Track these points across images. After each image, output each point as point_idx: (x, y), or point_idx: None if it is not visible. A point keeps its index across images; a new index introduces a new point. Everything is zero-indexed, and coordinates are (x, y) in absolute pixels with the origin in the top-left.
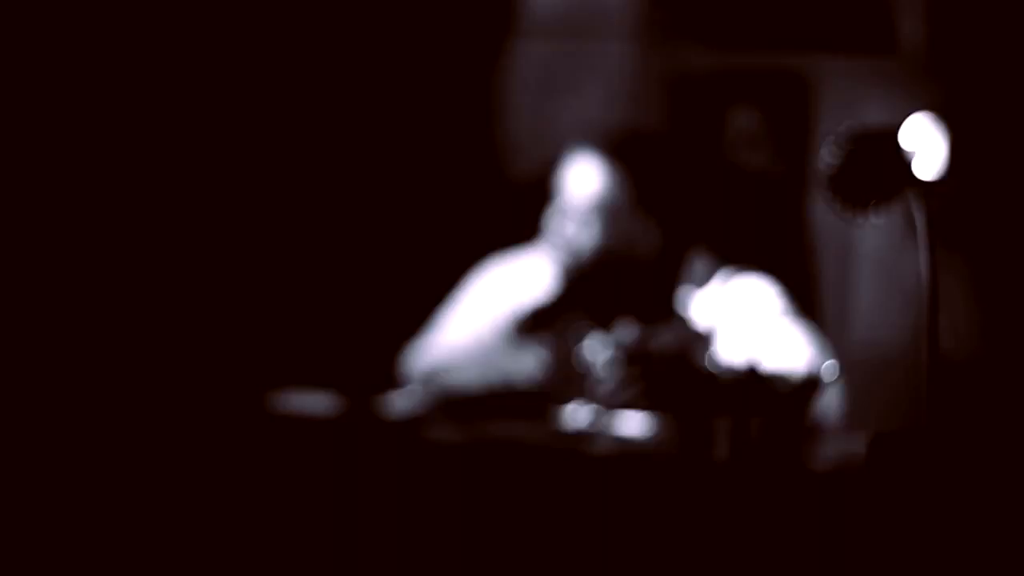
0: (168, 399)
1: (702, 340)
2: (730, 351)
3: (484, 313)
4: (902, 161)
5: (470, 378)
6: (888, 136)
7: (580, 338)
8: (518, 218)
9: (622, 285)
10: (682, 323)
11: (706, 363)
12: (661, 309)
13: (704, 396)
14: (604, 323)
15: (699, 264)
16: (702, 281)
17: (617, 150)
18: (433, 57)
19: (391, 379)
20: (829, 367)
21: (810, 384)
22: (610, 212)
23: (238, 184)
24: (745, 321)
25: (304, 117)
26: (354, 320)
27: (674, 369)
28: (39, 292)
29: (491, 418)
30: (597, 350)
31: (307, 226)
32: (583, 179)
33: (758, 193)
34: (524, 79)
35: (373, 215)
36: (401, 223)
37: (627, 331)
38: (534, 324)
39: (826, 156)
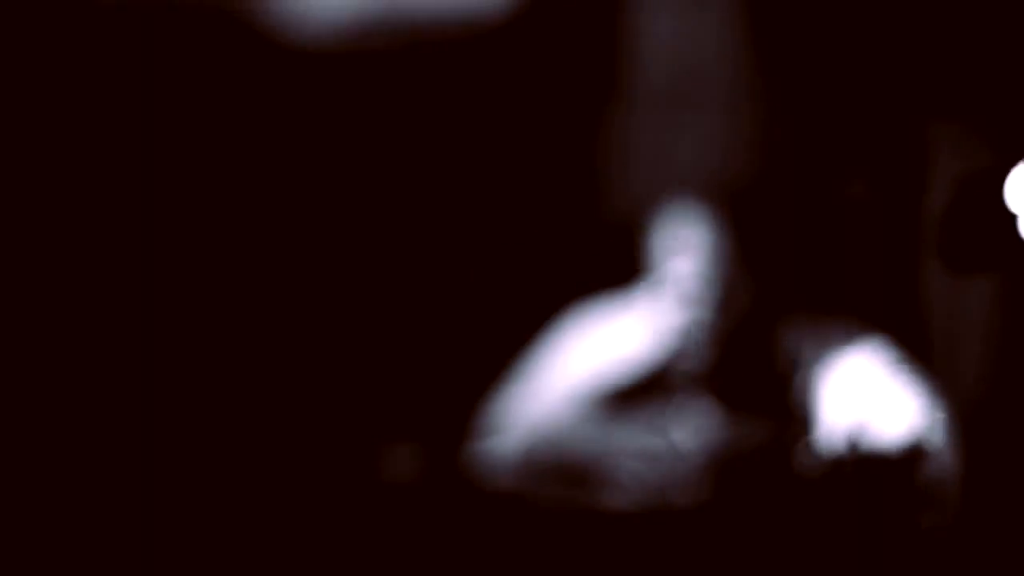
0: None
1: (801, 429)
2: (833, 427)
3: (584, 365)
4: (1007, 221)
5: (577, 440)
6: (993, 195)
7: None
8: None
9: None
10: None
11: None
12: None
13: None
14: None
15: (802, 336)
16: (809, 355)
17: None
18: (538, 124)
19: (473, 427)
20: (937, 428)
21: (917, 450)
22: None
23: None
24: (852, 388)
25: (402, 169)
26: (435, 363)
27: (766, 469)
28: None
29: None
30: (688, 436)
31: (403, 265)
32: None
33: (869, 253)
34: (626, 147)
35: (464, 259)
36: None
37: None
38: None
39: (936, 216)
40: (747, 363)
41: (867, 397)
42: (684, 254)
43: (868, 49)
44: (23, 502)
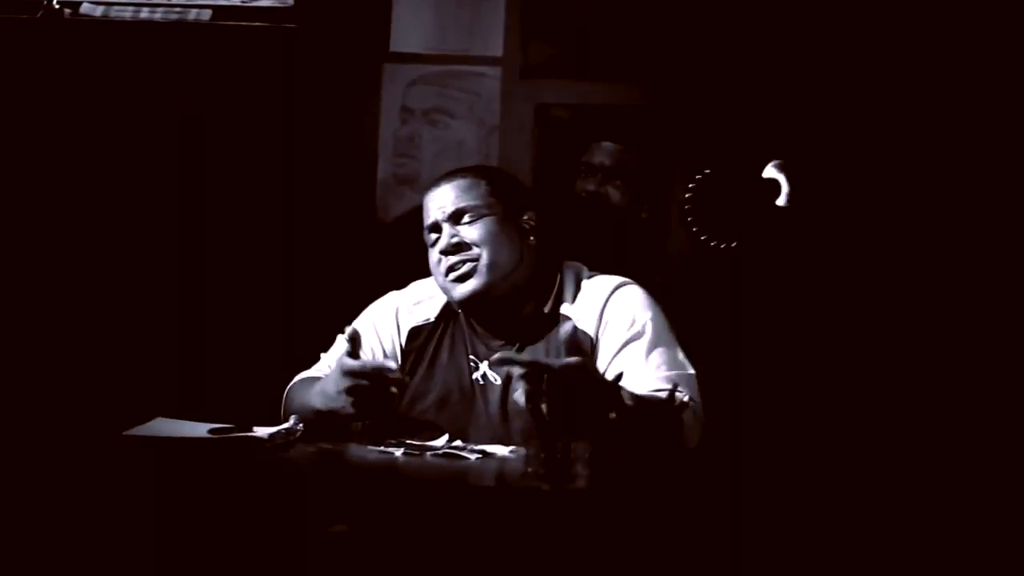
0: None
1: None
2: (603, 366)
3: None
4: (759, 193)
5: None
6: (746, 169)
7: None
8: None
9: (510, 309)
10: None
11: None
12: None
13: (578, 417)
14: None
15: (570, 281)
16: (575, 298)
17: (482, 171)
18: (303, 84)
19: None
20: (686, 391)
21: (668, 408)
22: (480, 215)
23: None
24: (618, 339)
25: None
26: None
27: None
28: None
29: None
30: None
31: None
32: (448, 194)
33: (617, 225)
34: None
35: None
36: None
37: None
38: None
39: (688, 190)
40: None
41: (630, 352)
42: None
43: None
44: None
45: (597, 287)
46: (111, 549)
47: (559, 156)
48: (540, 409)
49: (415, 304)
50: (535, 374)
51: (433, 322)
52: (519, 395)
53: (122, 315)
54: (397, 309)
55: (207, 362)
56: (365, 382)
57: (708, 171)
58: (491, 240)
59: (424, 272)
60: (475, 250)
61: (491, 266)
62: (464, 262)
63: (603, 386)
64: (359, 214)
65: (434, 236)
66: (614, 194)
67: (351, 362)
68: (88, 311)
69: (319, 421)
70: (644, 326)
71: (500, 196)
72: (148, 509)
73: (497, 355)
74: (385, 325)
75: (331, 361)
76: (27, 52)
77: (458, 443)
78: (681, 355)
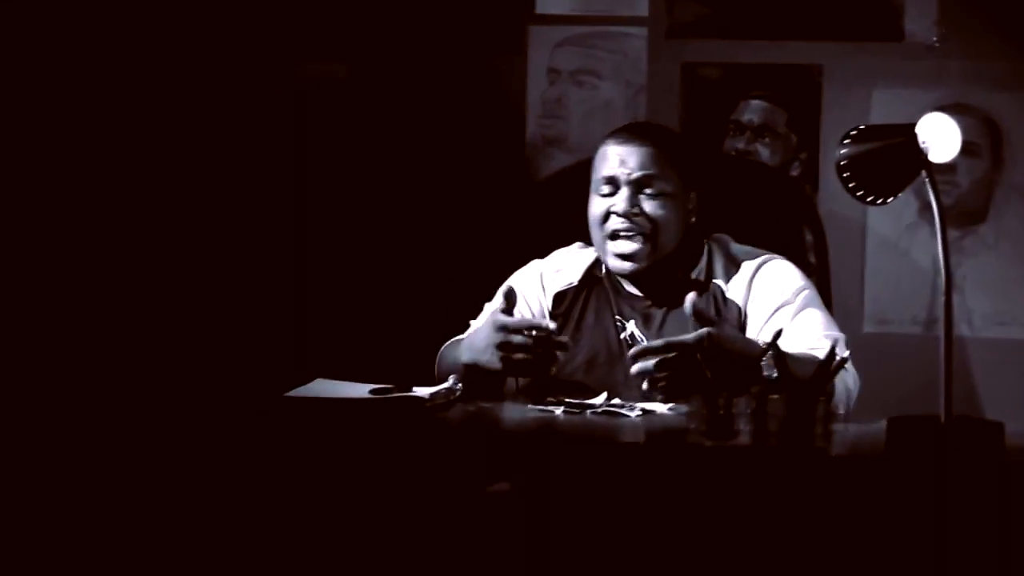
0: (189, 393)
1: (725, 327)
2: (754, 336)
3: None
4: (916, 149)
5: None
6: (902, 128)
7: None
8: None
9: (660, 274)
10: (707, 314)
11: (729, 349)
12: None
13: (726, 380)
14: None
15: (719, 253)
16: (725, 271)
17: (671, 140)
18: (449, 48)
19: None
20: (845, 350)
21: (827, 366)
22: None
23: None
24: (768, 306)
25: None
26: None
27: (697, 358)
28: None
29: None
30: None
31: (356, 226)
32: (637, 155)
33: (768, 183)
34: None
35: (412, 210)
36: (440, 219)
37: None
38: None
39: (842, 145)
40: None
41: (783, 316)
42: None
43: None
44: None
45: (747, 258)
46: (274, 511)
47: (707, 115)
48: (702, 368)
49: (557, 271)
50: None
51: (576, 286)
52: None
53: (277, 275)
54: (541, 274)
55: (365, 325)
56: (518, 338)
57: (862, 127)
58: (667, 222)
59: (574, 232)
60: (649, 226)
61: (658, 247)
62: (634, 234)
63: (743, 348)
64: (509, 176)
65: (608, 188)
66: (763, 152)
67: (504, 317)
68: (239, 272)
69: (467, 375)
70: (794, 294)
71: (681, 174)
72: (311, 470)
73: (632, 350)
74: (531, 290)
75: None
76: None
77: (617, 401)
78: (832, 321)
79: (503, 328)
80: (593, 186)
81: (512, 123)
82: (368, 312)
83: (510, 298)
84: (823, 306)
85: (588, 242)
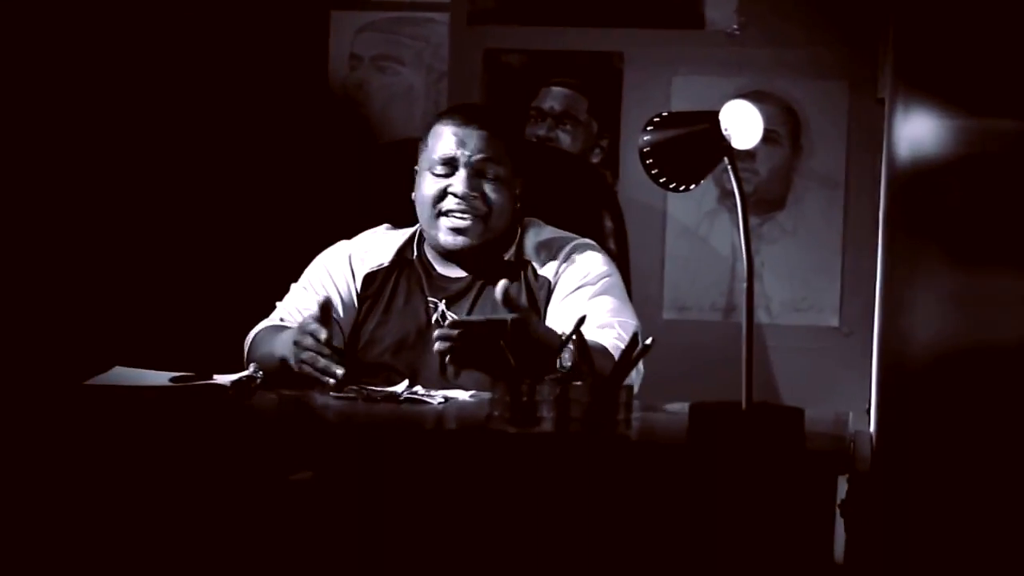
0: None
1: (525, 312)
2: (557, 322)
3: (313, 293)
4: (719, 136)
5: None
6: (704, 115)
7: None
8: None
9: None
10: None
11: (534, 337)
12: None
13: (529, 367)
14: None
15: (532, 235)
16: (536, 251)
17: (505, 126)
18: (251, 32)
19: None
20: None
21: (630, 353)
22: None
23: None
24: (570, 285)
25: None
26: (205, 304)
27: (494, 339)
28: None
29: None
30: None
31: (156, 211)
32: (476, 138)
33: (568, 170)
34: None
35: (222, 194)
36: (248, 202)
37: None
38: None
39: (645, 132)
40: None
41: (584, 303)
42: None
43: None
44: None
45: (560, 241)
46: (72, 498)
47: (508, 101)
48: (506, 354)
49: (366, 252)
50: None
51: (387, 267)
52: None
53: (74, 261)
54: (350, 256)
55: (165, 312)
56: (308, 341)
57: (665, 114)
58: (501, 207)
59: (376, 208)
60: (484, 209)
61: (490, 230)
62: (469, 217)
63: (546, 336)
64: (312, 160)
65: (444, 169)
66: (564, 139)
67: (311, 323)
68: (33, 258)
69: (281, 369)
70: (597, 278)
71: (514, 159)
72: (111, 459)
73: (440, 328)
74: (340, 272)
75: (289, 310)
76: None
77: (419, 388)
78: (629, 308)
79: (304, 333)
80: (425, 164)
81: (315, 109)
82: (168, 299)
83: (325, 310)
84: (623, 295)
85: (394, 224)
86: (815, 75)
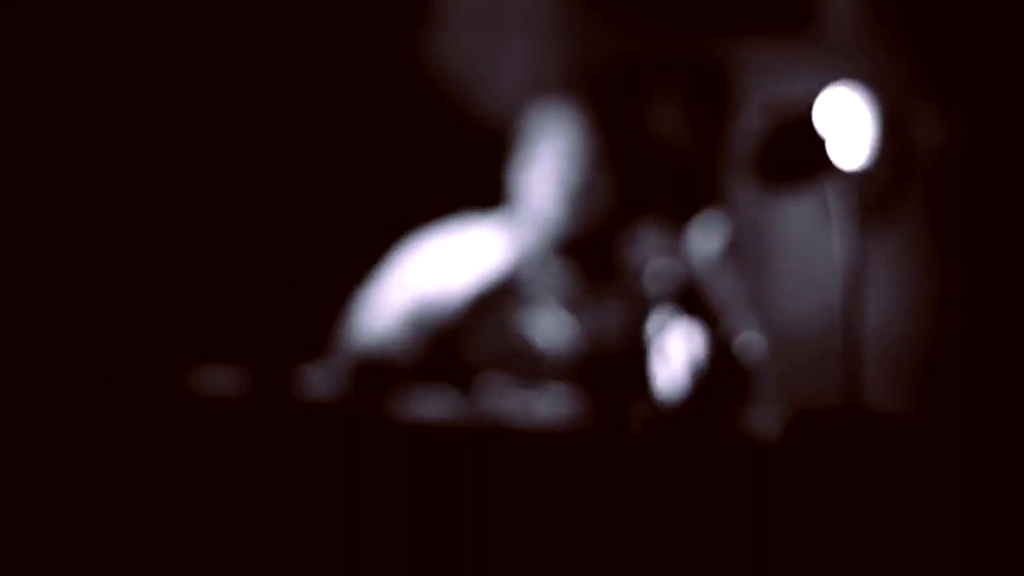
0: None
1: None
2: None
3: (425, 282)
4: (819, 144)
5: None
6: (806, 118)
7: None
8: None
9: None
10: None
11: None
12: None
13: (629, 375)
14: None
15: (645, 236)
16: (652, 252)
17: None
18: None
19: (316, 355)
20: (752, 344)
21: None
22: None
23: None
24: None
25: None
26: (279, 295)
27: (615, 353)
28: None
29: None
30: (547, 329)
31: (227, 198)
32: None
33: (679, 174)
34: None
35: (296, 180)
36: (328, 188)
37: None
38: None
39: (747, 136)
40: (600, 269)
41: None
42: (540, 167)
43: None
44: None
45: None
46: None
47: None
48: None
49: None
50: None
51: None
52: None
53: None
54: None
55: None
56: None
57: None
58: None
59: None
60: None
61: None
62: None
63: None
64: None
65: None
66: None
67: None
68: None
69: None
70: None
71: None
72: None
73: None
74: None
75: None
76: None
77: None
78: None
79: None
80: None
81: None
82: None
83: None
84: None
85: None
86: None
